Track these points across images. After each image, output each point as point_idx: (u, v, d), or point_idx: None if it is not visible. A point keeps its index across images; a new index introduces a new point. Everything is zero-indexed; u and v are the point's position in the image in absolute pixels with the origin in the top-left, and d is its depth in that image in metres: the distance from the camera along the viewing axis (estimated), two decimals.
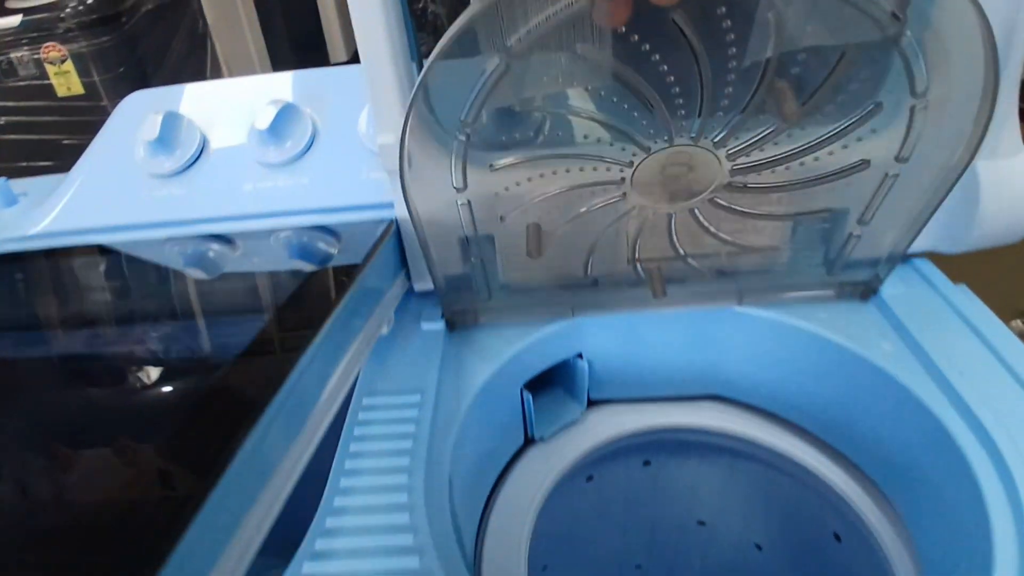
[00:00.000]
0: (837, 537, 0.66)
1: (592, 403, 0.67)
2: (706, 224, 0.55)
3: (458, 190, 0.53)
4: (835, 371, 0.57)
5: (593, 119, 0.49)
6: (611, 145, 0.50)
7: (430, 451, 0.47)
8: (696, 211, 0.54)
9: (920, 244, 0.61)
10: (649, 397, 0.67)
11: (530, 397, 0.60)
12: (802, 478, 0.64)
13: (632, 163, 0.50)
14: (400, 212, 0.57)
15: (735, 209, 0.54)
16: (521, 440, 0.63)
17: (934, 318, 0.56)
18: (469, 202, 0.53)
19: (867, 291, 0.59)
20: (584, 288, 0.60)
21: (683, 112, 0.46)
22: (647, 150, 0.49)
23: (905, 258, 0.62)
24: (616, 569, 0.85)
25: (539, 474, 0.61)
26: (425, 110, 0.48)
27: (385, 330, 0.55)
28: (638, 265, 0.58)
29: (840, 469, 0.60)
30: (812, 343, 0.57)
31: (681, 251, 0.57)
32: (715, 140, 0.48)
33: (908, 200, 0.53)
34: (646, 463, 0.74)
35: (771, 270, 0.59)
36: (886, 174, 0.51)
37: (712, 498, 0.76)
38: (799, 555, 0.72)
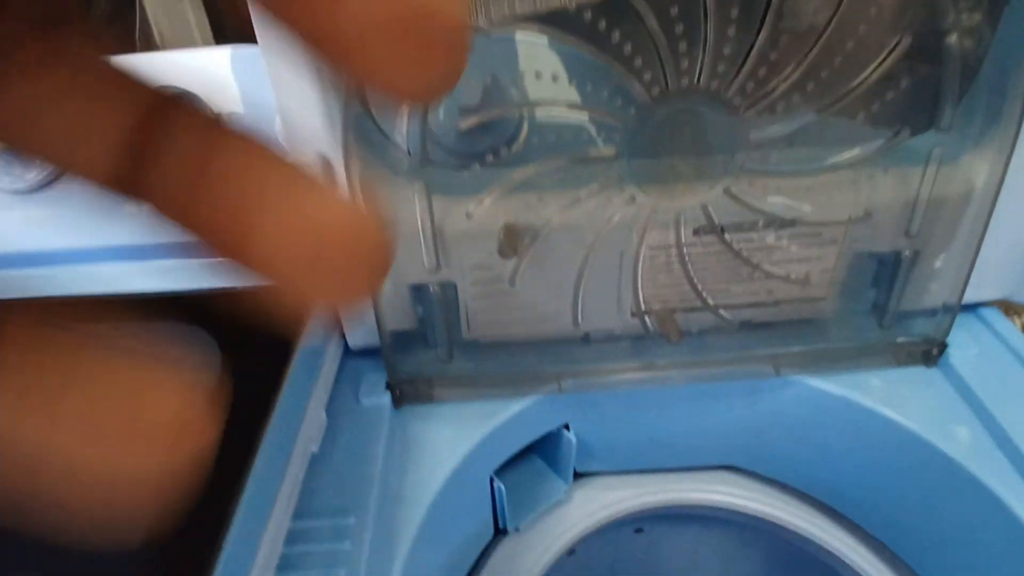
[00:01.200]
0: None
1: (577, 475, 0.54)
2: (728, 240, 0.41)
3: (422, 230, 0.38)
4: (892, 458, 0.44)
5: (575, 106, 0.34)
6: (600, 129, 0.35)
7: None
8: (710, 211, 0.40)
9: (991, 290, 0.48)
10: (647, 468, 0.54)
11: (502, 488, 0.46)
12: (835, 567, 0.53)
13: (628, 126, 0.36)
14: None
15: (755, 208, 0.40)
16: (490, 533, 0.50)
17: (1020, 391, 0.44)
18: (434, 236, 0.39)
19: (931, 352, 0.46)
20: (574, 348, 0.46)
21: (685, 47, 0.33)
22: (645, 106, 0.35)
23: (972, 307, 0.50)
24: None
25: (516, 572, 0.49)
26: (364, 115, 0.33)
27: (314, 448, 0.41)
28: (645, 318, 0.45)
29: (886, 567, 0.49)
30: (863, 420, 0.45)
31: (699, 287, 0.44)
32: (721, 85, 0.34)
33: (958, 203, 0.40)
34: (638, 531, 0.62)
35: (814, 324, 0.47)
36: (929, 156, 0.39)
37: (711, 565, 0.64)
38: None
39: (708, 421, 0.50)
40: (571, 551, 0.62)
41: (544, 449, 0.53)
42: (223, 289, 0.43)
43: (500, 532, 0.50)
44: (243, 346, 0.39)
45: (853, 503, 0.49)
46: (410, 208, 0.39)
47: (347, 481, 0.39)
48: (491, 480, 0.46)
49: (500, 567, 0.49)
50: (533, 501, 0.51)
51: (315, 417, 0.41)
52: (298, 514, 0.38)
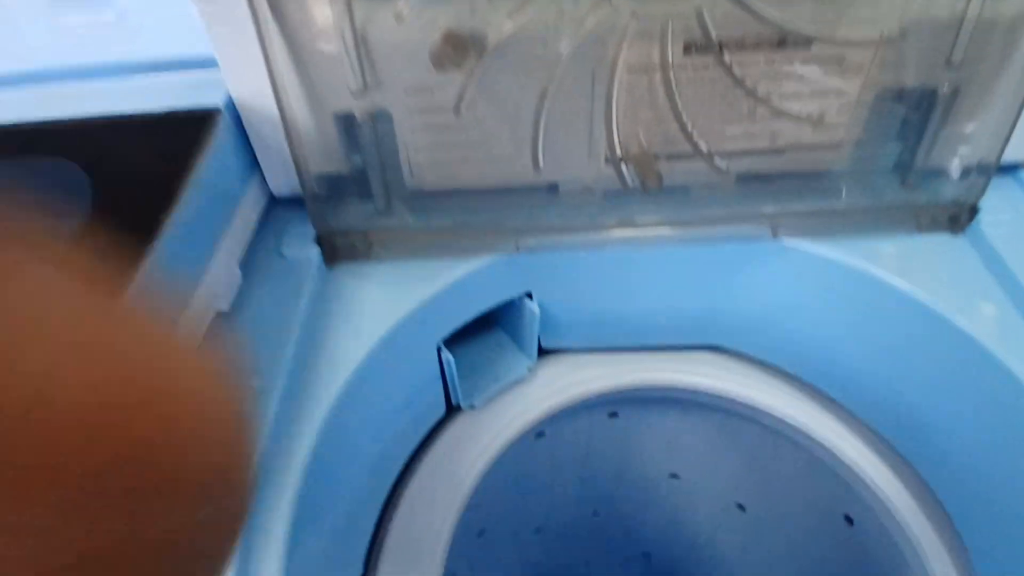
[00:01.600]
0: (848, 520, 0.51)
1: (543, 352, 0.48)
2: (727, 62, 0.33)
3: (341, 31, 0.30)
4: (904, 338, 0.38)
5: None
6: None
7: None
8: (706, 20, 0.32)
9: None
10: (623, 346, 0.49)
11: (450, 359, 0.41)
12: (818, 455, 0.48)
13: None
14: (234, 80, 0.34)
15: (764, 17, 0.32)
16: (441, 410, 0.45)
17: None
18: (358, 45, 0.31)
19: (959, 216, 0.39)
20: (535, 200, 0.39)
21: None
22: None
23: (1011, 168, 0.42)
24: (569, 518, 0.71)
25: (470, 450, 0.44)
26: None
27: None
28: (622, 166, 0.37)
29: (876, 457, 0.44)
30: (873, 294, 0.38)
31: (688, 127, 0.36)
32: None
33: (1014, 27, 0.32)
34: (612, 415, 0.57)
35: (823, 178, 0.39)
36: None
37: (691, 453, 0.60)
38: (794, 526, 0.58)
39: (692, 293, 0.44)
40: (540, 433, 0.57)
41: (506, 321, 0.47)
42: (97, 117, 0.36)
43: (454, 410, 0.45)
44: (122, 182, 0.32)
45: (854, 391, 0.44)
46: (323, 8, 0.30)
47: (259, 341, 0.34)
48: (439, 351, 0.41)
49: (452, 445, 0.44)
50: (491, 377, 0.46)
51: (223, 271, 0.35)
52: None
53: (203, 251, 0.33)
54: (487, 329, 0.48)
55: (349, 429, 0.34)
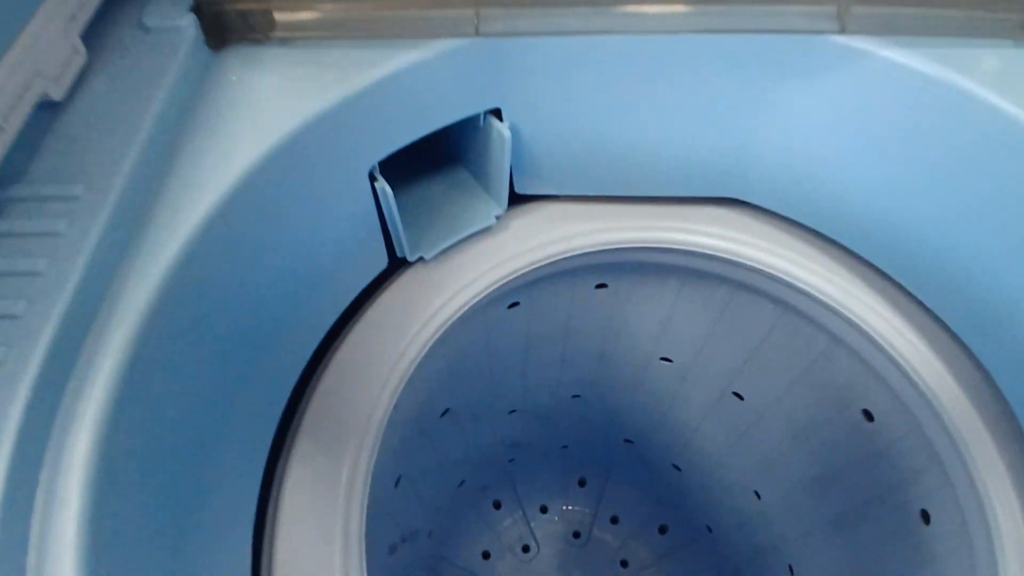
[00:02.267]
0: (868, 415, 0.44)
1: (518, 198, 0.38)
2: None
3: None
4: (991, 177, 0.28)
5: None
6: None
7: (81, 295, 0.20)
8: None
9: None
10: (617, 196, 0.39)
11: (388, 192, 0.31)
12: (844, 337, 0.39)
13: None
14: None
15: None
16: (383, 261, 0.35)
17: None
18: None
19: None
20: None
21: None
22: None
23: None
24: (546, 400, 0.64)
25: (417, 313, 0.35)
26: None
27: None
28: None
29: (930, 349, 0.35)
30: (962, 116, 0.28)
31: None
32: None
33: None
34: (601, 286, 0.48)
35: None
36: None
37: (688, 334, 0.52)
38: (799, 419, 0.51)
39: (714, 118, 0.33)
40: (514, 304, 0.49)
41: (469, 155, 0.37)
42: None
43: (400, 263, 0.36)
44: None
45: (907, 251, 0.34)
46: None
47: (94, 139, 0.24)
48: (371, 182, 0.31)
49: (395, 307, 0.35)
50: (446, 225, 0.36)
51: (53, 42, 0.24)
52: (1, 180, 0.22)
53: (13, 8, 0.22)
54: (446, 166, 0.38)
55: (225, 270, 0.25)
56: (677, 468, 0.67)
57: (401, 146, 0.30)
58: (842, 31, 0.27)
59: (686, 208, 0.39)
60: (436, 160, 0.38)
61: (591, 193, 0.38)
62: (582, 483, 0.74)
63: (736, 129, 0.33)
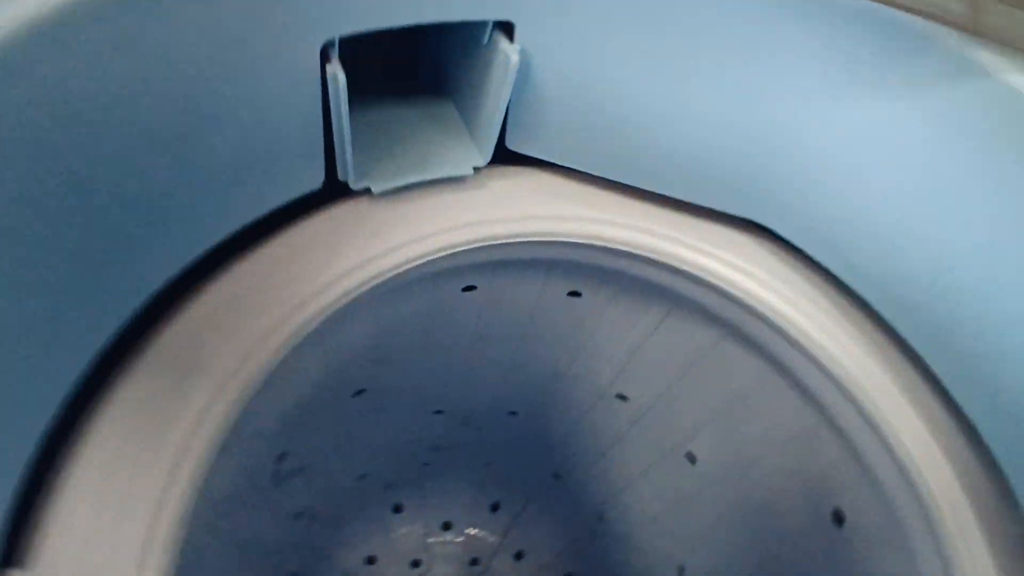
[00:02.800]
0: (838, 518, 0.37)
1: (506, 157, 0.31)
2: None
3: None
4: None
5: None
6: None
7: None
8: None
9: None
10: (624, 184, 0.32)
11: (342, 81, 0.23)
12: (838, 416, 0.33)
13: None
14: None
15: None
16: (316, 180, 0.28)
17: None
18: None
19: None
20: None
21: None
22: None
23: None
24: (481, 409, 0.57)
25: (341, 256, 0.28)
26: None
27: None
28: None
29: (933, 438, 0.29)
30: None
31: None
32: None
33: None
34: (573, 293, 0.41)
35: None
36: None
37: (656, 373, 0.45)
38: (758, 502, 0.44)
39: (757, 111, 0.27)
40: (470, 287, 0.42)
41: (459, 83, 0.30)
42: None
43: (338, 189, 0.29)
44: None
45: (959, 347, 0.28)
46: None
47: None
48: (323, 58, 0.23)
49: (317, 240, 0.28)
50: (409, 158, 0.29)
51: None
52: None
53: None
54: (428, 93, 0.31)
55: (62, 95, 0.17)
56: (601, 518, 0.60)
57: (373, 28, 0.23)
58: (972, 28, 0.20)
59: (698, 221, 0.32)
60: (416, 83, 0.30)
61: (595, 171, 0.31)
62: (495, 507, 0.66)
63: (781, 133, 0.27)
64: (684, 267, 0.33)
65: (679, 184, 0.31)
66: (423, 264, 0.29)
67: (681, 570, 0.52)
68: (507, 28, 0.25)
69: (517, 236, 0.31)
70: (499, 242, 0.31)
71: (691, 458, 0.49)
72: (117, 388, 0.22)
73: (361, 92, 0.25)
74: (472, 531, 0.67)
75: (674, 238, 0.33)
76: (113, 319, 0.22)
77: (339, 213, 0.28)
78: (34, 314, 0.19)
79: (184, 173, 0.21)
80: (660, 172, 0.31)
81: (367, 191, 0.28)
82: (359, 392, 0.46)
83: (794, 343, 0.32)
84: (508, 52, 0.25)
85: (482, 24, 0.25)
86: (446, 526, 0.66)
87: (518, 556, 0.66)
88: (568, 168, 0.31)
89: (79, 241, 0.19)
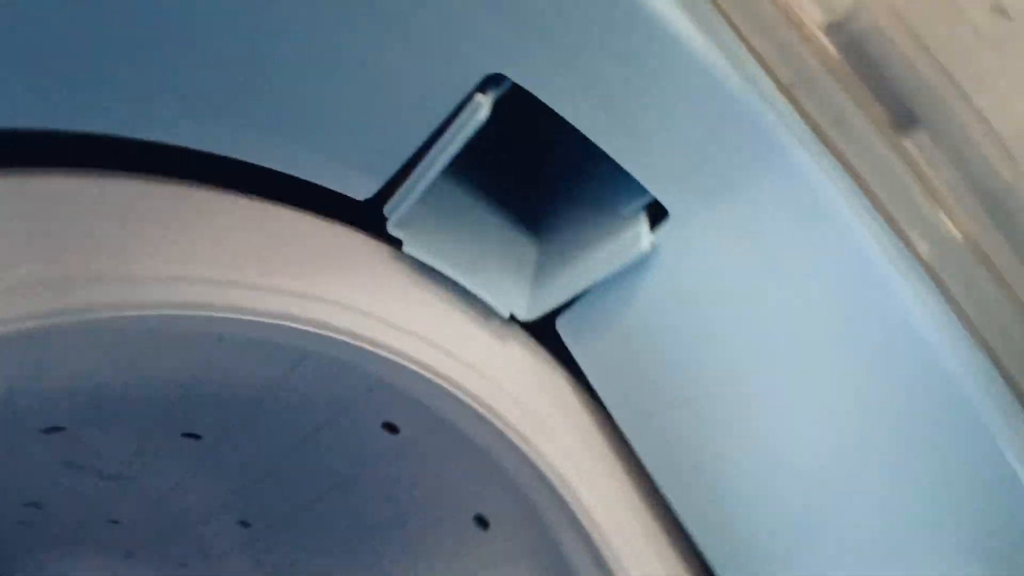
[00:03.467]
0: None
1: (529, 326, 0.26)
2: None
3: None
4: None
5: None
6: None
7: None
8: None
9: None
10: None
11: (484, 113, 0.19)
12: None
13: None
14: None
15: None
16: (370, 191, 0.22)
17: None
18: None
19: None
20: None
21: None
22: None
23: None
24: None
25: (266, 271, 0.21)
26: None
27: None
28: None
29: None
30: None
31: None
32: None
33: None
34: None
35: None
36: None
37: None
38: None
39: None
40: (391, 428, 0.34)
41: (560, 227, 0.26)
42: None
43: (368, 218, 0.23)
44: None
45: None
46: None
47: None
48: (479, 85, 0.19)
49: (293, 237, 0.22)
50: (462, 250, 0.23)
51: None
52: None
53: None
54: (523, 200, 0.27)
55: None
56: None
57: (552, 102, 0.19)
58: None
59: None
60: (520, 187, 0.26)
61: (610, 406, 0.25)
62: None
63: None
64: None
65: None
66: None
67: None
68: (656, 214, 0.21)
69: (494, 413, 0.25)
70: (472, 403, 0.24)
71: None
72: None
73: (464, 155, 0.21)
74: None
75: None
76: None
77: (353, 239, 0.23)
78: None
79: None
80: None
81: (396, 242, 0.23)
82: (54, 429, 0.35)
83: None
84: (641, 237, 0.21)
85: (640, 193, 0.21)
86: None
87: None
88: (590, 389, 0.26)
89: None
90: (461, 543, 0.33)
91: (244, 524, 0.45)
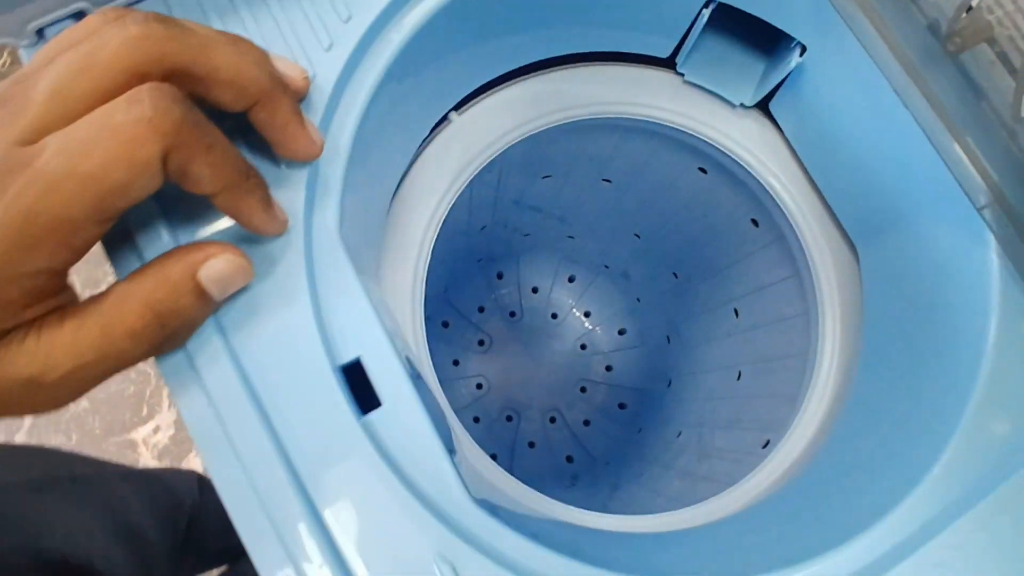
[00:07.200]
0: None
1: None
2: None
3: None
4: None
5: None
6: None
7: None
8: None
9: None
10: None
11: None
12: None
13: None
14: None
15: None
16: (669, 49, 0.48)
17: None
18: None
19: None
20: None
21: None
22: None
23: None
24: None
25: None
26: None
27: None
28: None
29: None
30: None
31: None
32: None
33: None
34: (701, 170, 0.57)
35: None
36: None
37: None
38: None
39: None
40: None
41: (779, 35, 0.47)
42: None
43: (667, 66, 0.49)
44: None
45: None
46: None
47: None
48: None
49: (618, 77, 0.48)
50: (718, 67, 0.48)
51: None
52: None
53: None
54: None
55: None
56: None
57: None
58: None
59: None
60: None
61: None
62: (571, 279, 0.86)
63: None
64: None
65: None
66: (687, 134, 0.49)
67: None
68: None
69: (744, 163, 0.49)
70: (733, 158, 0.49)
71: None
72: None
73: None
74: (598, 331, 0.89)
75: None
76: None
77: (659, 73, 0.49)
78: None
79: None
80: None
81: (681, 75, 0.48)
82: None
83: None
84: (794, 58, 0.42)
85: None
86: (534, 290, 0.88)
87: (608, 368, 0.89)
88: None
89: None
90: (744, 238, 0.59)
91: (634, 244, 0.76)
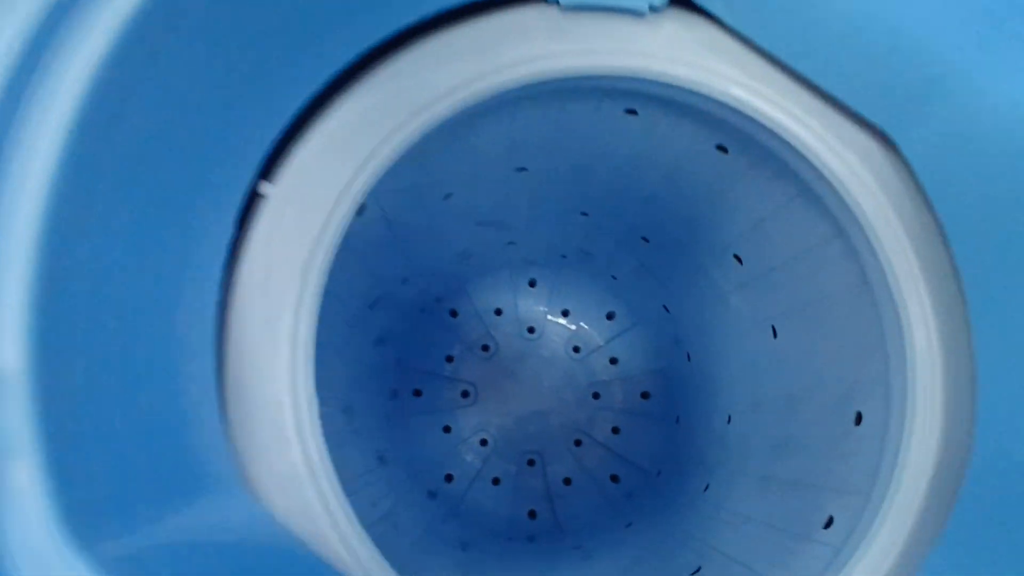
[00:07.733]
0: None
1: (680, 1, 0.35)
2: None
3: None
4: None
5: None
6: None
7: None
8: None
9: None
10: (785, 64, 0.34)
11: None
12: None
13: None
14: None
15: None
16: None
17: None
18: None
19: None
20: None
21: None
22: None
23: None
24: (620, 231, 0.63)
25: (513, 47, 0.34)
26: None
27: None
28: None
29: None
30: None
31: None
32: None
33: None
34: (721, 148, 0.45)
35: None
36: None
37: (765, 245, 0.49)
38: None
39: None
40: (631, 111, 0.46)
41: None
42: None
43: None
44: None
45: None
46: None
47: None
48: None
49: (494, 36, 0.34)
50: None
51: None
52: None
53: None
54: None
55: None
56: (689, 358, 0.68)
57: None
58: None
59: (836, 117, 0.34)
60: None
61: (759, 42, 0.34)
62: (610, 316, 0.76)
63: None
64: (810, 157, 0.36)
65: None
66: (594, 76, 0.35)
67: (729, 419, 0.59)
68: None
69: (682, 82, 0.35)
70: (664, 81, 0.35)
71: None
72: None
73: None
74: (584, 325, 0.76)
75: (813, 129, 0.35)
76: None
77: (527, 13, 0.35)
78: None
79: None
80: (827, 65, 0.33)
81: (555, 2, 0.34)
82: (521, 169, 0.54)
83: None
84: None
85: None
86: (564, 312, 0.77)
87: (612, 361, 0.76)
88: (735, 32, 0.34)
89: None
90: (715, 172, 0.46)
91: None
